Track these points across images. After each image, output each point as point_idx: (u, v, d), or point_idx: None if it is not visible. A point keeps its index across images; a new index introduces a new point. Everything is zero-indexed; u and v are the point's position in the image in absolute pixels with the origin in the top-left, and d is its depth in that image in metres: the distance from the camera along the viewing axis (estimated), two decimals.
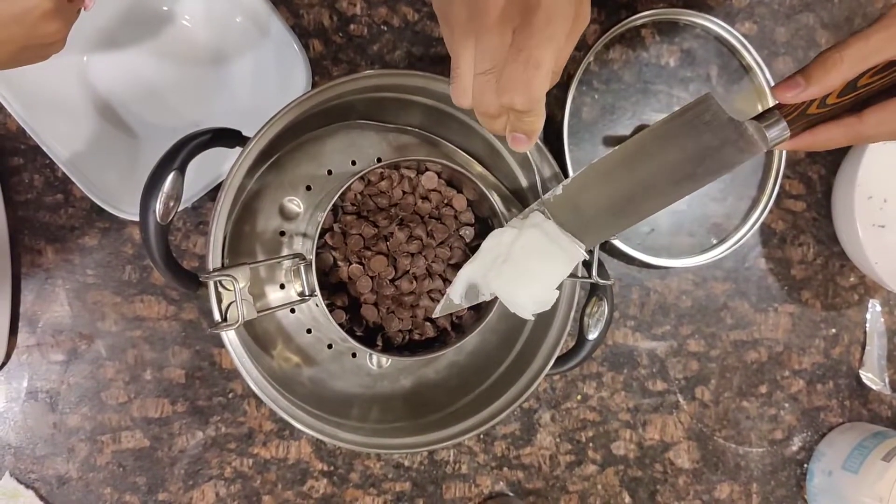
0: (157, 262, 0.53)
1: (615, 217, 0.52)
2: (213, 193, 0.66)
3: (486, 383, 0.64)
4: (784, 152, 0.81)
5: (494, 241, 0.55)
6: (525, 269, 0.54)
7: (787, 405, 0.84)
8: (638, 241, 0.79)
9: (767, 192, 0.82)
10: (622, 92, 0.79)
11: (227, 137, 0.56)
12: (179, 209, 0.63)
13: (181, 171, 0.53)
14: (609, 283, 0.59)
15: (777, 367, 0.84)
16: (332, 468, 0.73)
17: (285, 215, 0.62)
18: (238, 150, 0.55)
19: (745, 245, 0.82)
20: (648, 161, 0.50)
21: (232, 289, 0.51)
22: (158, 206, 0.52)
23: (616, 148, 0.51)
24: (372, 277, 0.61)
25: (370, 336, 0.62)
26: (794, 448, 0.85)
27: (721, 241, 0.81)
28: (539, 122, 0.46)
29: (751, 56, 0.81)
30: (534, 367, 0.61)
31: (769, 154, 0.82)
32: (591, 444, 0.79)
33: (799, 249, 0.85)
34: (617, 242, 0.76)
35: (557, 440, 0.78)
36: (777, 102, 0.50)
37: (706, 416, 0.82)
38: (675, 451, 0.81)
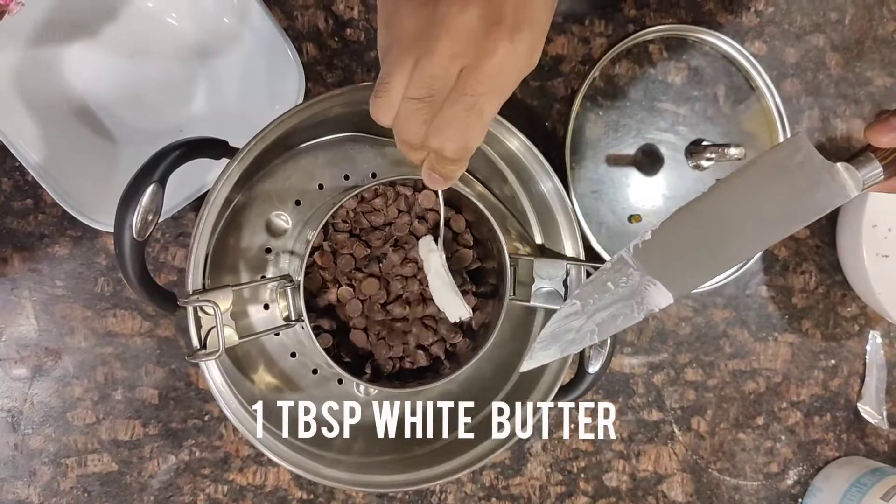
0: (132, 282, 0.49)
1: (705, 265, 0.49)
2: (197, 203, 0.62)
3: (480, 415, 0.61)
4: None
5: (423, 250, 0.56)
6: (436, 292, 0.56)
7: (783, 437, 0.82)
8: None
9: None
10: (627, 109, 0.76)
11: (213, 148, 0.53)
12: (160, 221, 0.59)
13: (161, 183, 0.50)
14: None
15: (775, 398, 0.82)
16: (312, 497, 0.69)
17: (272, 231, 0.58)
18: (224, 161, 0.51)
19: (748, 271, 0.80)
20: (739, 206, 0.47)
21: (212, 314, 0.47)
22: (135, 220, 0.48)
23: (704, 192, 0.48)
24: (362, 301, 0.57)
25: (358, 363, 0.58)
26: (790, 482, 0.82)
27: None
28: (461, 171, 0.45)
29: (759, 76, 0.78)
30: (534, 397, 0.58)
31: None
32: (582, 475, 0.76)
33: (801, 277, 0.82)
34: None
35: (548, 470, 0.75)
36: (868, 144, 0.48)
37: (701, 448, 0.80)
38: (669, 483, 0.78)
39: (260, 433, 0.53)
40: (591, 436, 0.76)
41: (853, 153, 0.49)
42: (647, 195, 0.74)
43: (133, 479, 0.66)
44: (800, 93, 0.81)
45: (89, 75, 0.63)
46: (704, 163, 0.74)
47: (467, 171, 0.62)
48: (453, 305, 0.55)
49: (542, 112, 0.74)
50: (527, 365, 0.51)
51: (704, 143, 0.74)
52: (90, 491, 0.65)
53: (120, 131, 0.64)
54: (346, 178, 0.60)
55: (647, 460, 0.78)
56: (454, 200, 0.60)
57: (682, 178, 0.75)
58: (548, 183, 0.58)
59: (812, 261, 0.83)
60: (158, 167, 0.49)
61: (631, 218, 0.74)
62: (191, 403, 0.67)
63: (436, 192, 0.59)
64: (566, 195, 0.58)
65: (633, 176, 0.74)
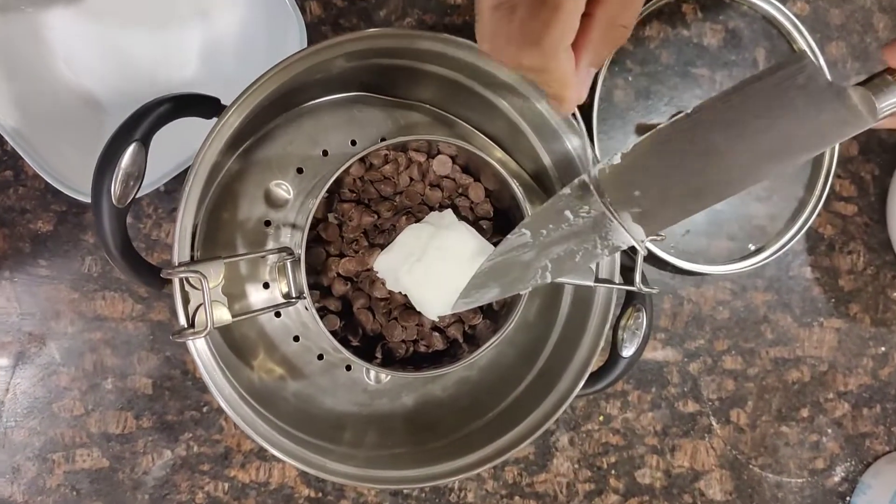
0: (113, 254, 0.44)
1: (684, 197, 0.42)
2: None
3: (502, 405, 0.56)
4: (837, 148, 0.73)
5: (411, 237, 0.51)
6: (437, 270, 0.50)
7: (829, 431, 0.77)
8: (672, 244, 0.71)
9: (816, 192, 0.74)
10: (659, 74, 0.71)
11: (202, 105, 0.47)
12: (147, 191, 0.54)
13: (144, 143, 0.44)
14: (653, 291, 0.50)
15: (820, 389, 0.76)
16: (320, 495, 0.64)
17: (272, 202, 0.53)
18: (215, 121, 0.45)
19: (790, 251, 0.74)
20: (727, 129, 0.40)
21: (201, 288, 0.42)
22: (114, 185, 0.43)
23: (686, 112, 0.41)
24: (361, 275, 0.52)
25: (368, 346, 0.53)
26: (837, 479, 0.77)
27: (763, 247, 0.74)
28: (563, 88, 0.37)
29: (803, 39, 0.73)
30: (560, 387, 0.53)
31: None
32: (613, 472, 0.71)
33: (848, 258, 0.77)
34: (648, 244, 0.67)
35: (576, 466, 0.70)
36: (887, 67, 0.41)
37: (741, 442, 0.74)
38: (707, 480, 0.73)
39: (258, 425, 0.47)
40: (622, 429, 0.71)
41: (867, 77, 0.42)
42: None
43: (125, 475, 0.61)
44: (845, 57, 0.76)
45: (72, 34, 0.58)
46: None
47: (488, 136, 0.57)
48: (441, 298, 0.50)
49: None
50: (457, 306, 0.45)
51: None
52: (79, 489, 0.61)
53: (106, 96, 0.59)
54: (353, 143, 0.55)
55: (682, 455, 0.73)
56: (471, 167, 0.54)
57: None
58: (574, 140, 0.52)
59: (860, 239, 0.77)
60: (140, 125, 0.44)
61: None
62: (187, 393, 0.62)
63: (451, 159, 0.53)
64: (590, 147, 0.52)
65: None
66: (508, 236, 0.43)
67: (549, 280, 0.43)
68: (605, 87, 0.69)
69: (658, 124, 0.70)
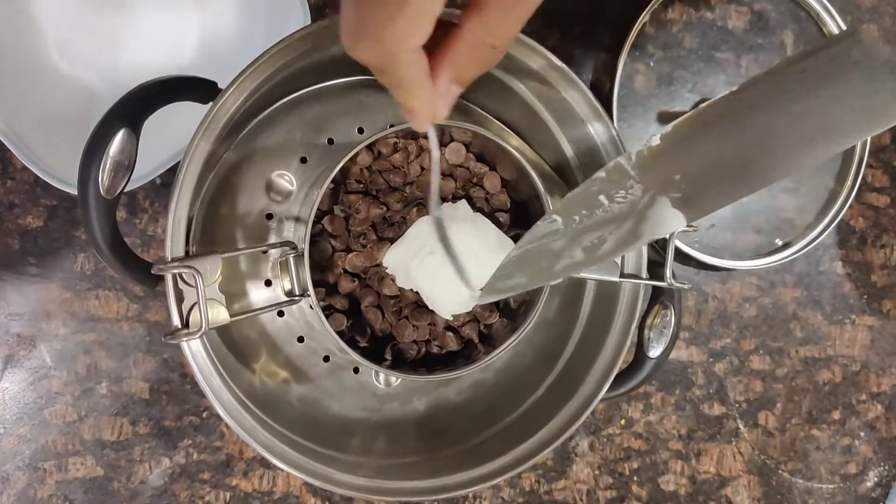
0: (101, 248, 0.41)
1: (727, 181, 0.39)
2: None
3: (520, 409, 0.52)
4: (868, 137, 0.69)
5: (423, 230, 0.48)
6: (450, 265, 0.45)
7: (862, 434, 0.74)
8: (696, 238, 0.68)
9: (847, 183, 0.70)
10: (682, 59, 0.68)
11: (198, 89, 0.44)
12: (141, 183, 0.51)
13: (134, 129, 0.41)
14: (685, 286, 0.46)
15: (853, 390, 0.73)
16: None
17: (274, 194, 0.50)
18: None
19: (820, 245, 0.71)
20: (775, 109, 0.37)
21: (195, 285, 0.39)
22: (102, 174, 0.40)
23: (732, 90, 0.38)
24: (369, 271, 0.49)
25: (377, 347, 0.50)
26: (870, 484, 0.74)
27: (792, 240, 0.70)
28: (409, 98, 0.32)
29: (833, 21, 0.70)
30: (583, 391, 0.49)
31: None
32: (635, 478, 0.69)
33: (881, 252, 0.74)
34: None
35: (596, 473, 0.67)
36: None
37: (770, 446, 0.72)
38: (734, 487, 0.70)
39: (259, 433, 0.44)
40: (644, 433, 0.68)
41: None
42: None
43: (121, 485, 0.58)
44: (878, 41, 0.72)
45: (65, 23, 0.56)
46: None
47: (504, 123, 0.53)
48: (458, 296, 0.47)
49: (584, 63, 0.66)
50: (482, 298, 0.41)
51: None
52: (72, 499, 0.58)
53: (100, 86, 0.57)
54: (361, 131, 0.52)
55: (708, 461, 0.70)
56: (486, 155, 0.51)
57: None
58: (598, 128, 0.49)
59: (893, 232, 0.74)
60: (129, 109, 0.41)
61: None
62: (186, 398, 0.59)
63: (465, 146, 0.50)
64: (619, 139, 0.48)
65: None
66: (538, 223, 0.39)
67: (580, 273, 0.40)
68: (625, 72, 0.66)
69: (681, 112, 0.68)
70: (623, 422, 0.68)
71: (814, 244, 0.69)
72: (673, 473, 0.69)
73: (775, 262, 0.69)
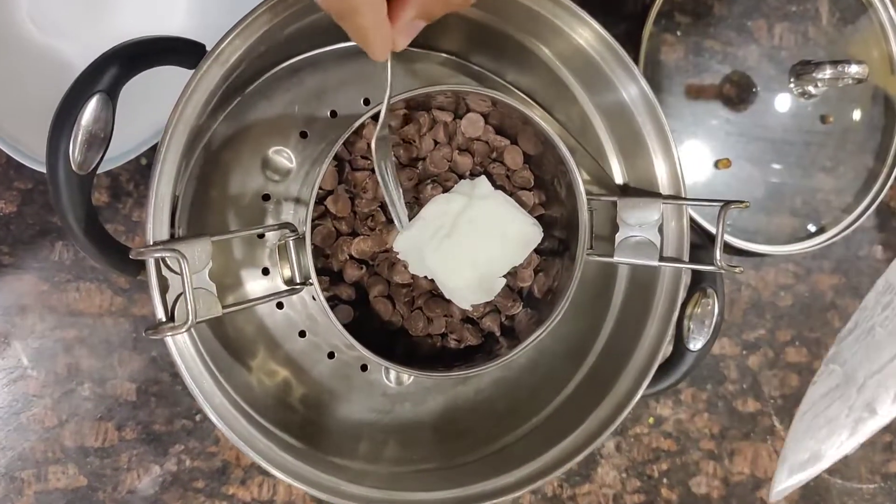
0: (73, 230, 0.37)
1: None
2: None
3: (547, 410, 0.48)
4: None
5: (439, 209, 0.44)
6: (470, 248, 0.44)
7: None
8: (728, 221, 0.63)
9: (888, 162, 0.67)
10: (711, 29, 0.64)
11: (183, 52, 0.39)
12: (123, 161, 0.47)
13: (110, 96, 0.36)
14: (735, 270, 0.41)
15: None
16: None
17: (271, 172, 0.46)
18: None
19: (859, 229, 0.67)
20: None
21: (181, 272, 0.34)
22: (74, 146, 0.35)
23: None
24: (378, 256, 0.44)
25: (388, 342, 0.45)
26: None
27: (829, 224, 0.67)
28: (363, 30, 0.31)
29: None
30: (618, 389, 0.44)
31: (891, 113, 0.66)
32: (664, 481, 0.65)
33: None
34: (701, 221, 0.60)
35: (623, 475, 0.63)
36: None
37: None
38: (769, 488, 0.65)
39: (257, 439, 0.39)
40: (674, 432, 0.64)
41: None
42: (736, 134, 0.63)
43: (107, 495, 0.54)
44: None
45: None
46: (813, 88, 0.61)
47: (526, 94, 0.48)
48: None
49: None
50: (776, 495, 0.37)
51: (815, 61, 0.59)
52: None
53: (79, 57, 0.52)
54: (367, 102, 0.47)
55: (742, 461, 0.67)
56: (507, 127, 0.46)
57: (778, 113, 0.64)
58: (631, 88, 0.44)
59: None
60: (104, 73, 0.37)
61: (718, 163, 0.63)
62: (177, 399, 0.54)
63: (484, 117, 0.45)
64: (656, 102, 0.43)
65: (720, 111, 0.63)
66: (817, 377, 0.35)
67: (874, 427, 0.34)
68: (650, 43, 0.62)
69: (711, 84, 0.63)
70: (651, 420, 0.63)
71: (852, 227, 0.66)
72: (705, 475, 0.65)
73: (812, 246, 0.65)
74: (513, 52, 0.46)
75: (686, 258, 0.44)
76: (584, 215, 0.42)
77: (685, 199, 0.43)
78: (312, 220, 0.41)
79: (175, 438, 0.55)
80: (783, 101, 0.63)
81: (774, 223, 0.65)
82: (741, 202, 0.40)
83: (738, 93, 0.63)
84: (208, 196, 0.43)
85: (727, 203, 0.40)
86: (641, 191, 0.45)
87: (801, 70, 0.60)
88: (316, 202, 0.40)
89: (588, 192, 0.43)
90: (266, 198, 0.45)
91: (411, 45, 0.45)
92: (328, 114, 0.46)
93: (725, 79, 0.64)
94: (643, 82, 0.43)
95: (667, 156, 0.44)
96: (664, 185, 0.45)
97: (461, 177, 0.45)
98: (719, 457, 0.65)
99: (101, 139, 0.37)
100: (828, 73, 0.58)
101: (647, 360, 0.44)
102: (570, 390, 0.47)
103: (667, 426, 0.64)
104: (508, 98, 0.41)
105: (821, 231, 0.66)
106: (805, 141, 0.65)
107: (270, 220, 0.45)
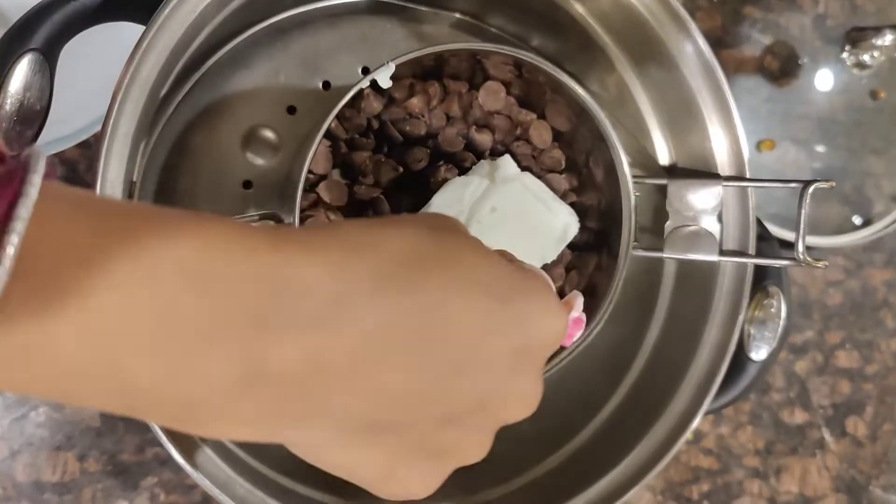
0: None
1: None
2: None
3: (581, 435, 0.40)
4: None
5: (453, 196, 0.38)
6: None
7: None
8: (772, 211, 0.58)
9: None
10: None
11: (138, 3, 0.32)
12: (75, 142, 0.39)
13: (47, 57, 0.29)
14: (818, 265, 0.35)
15: None
16: None
17: (253, 154, 0.39)
18: None
19: None
20: None
21: None
22: None
23: None
24: None
25: None
26: None
27: (881, 212, 0.61)
28: None
29: None
30: (673, 408, 0.38)
31: None
32: (705, 503, 0.58)
33: None
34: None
35: (659, 498, 0.58)
36: None
37: (860, 459, 0.63)
38: None
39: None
40: (715, 448, 0.58)
41: None
42: (780, 112, 0.59)
43: None
44: None
45: None
46: (868, 58, 0.55)
47: (555, 62, 0.41)
48: None
49: None
50: None
51: (874, 26, 0.54)
52: None
53: (12, 9, 0.44)
54: (365, 71, 0.40)
55: (789, 478, 0.61)
56: (532, 98, 0.39)
57: (827, 88, 0.59)
58: (686, 46, 0.37)
59: None
60: (38, 28, 0.30)
61: (760, 145, 0.58)
62: (148, 425, 0.47)
63: (505, 86, 0.38)
64: (716, 63, 0.37)
65: (761, 86, 0.59)
66: None
67: None
68: (684, 9, 0.55)
69: (751, 56, 0.57)
70: (690, 436, 0.56)
71: None
72: (749, 495, 0.59)
73: (863, 238, 0.60)
74: (539, 9, 0.39)
75: (752, 251, 0.37)
76: (629, 202, 0.36)
77: (752, 179, 0.36)
78: (302, 211, 0.34)
79: (147, 469, 0.48)
80: (830, 75, 0.58)
81: (821, 211, 0.60)
82: (827, 181, 0.33)
83: (780, 65, 0.58)
84: (176, 182, 0.37)
85: (807, 183, 0.34)
86: (695, 171, 0.39)
87: (858, 36, 0.54)
88: (306, 189, 0.34)
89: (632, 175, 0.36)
90: (247, 185, 0.38)
91: (417, 2, 0.39)
92: (320, 85, 0.39)
93: (766, 50, 0.58)
94: (700, 39, 0.36)
95: (728, 128, 0.37)
96: (723, 165, 0.38)
97: (480, 157, 0.39)
98: (765, 475, 0.59)
99: (37, 110, 0.29)
100: (888, 38, 0.52)
101: (706, 375, 0.37)
102: (608, 412, 0.40)
103: (707, 442, 0.58)
104: (537, 58, 0.34)
105: (872, 220, 0.61)
106: (855, 120, 0.59)
107: (252, 211, 0.38)
